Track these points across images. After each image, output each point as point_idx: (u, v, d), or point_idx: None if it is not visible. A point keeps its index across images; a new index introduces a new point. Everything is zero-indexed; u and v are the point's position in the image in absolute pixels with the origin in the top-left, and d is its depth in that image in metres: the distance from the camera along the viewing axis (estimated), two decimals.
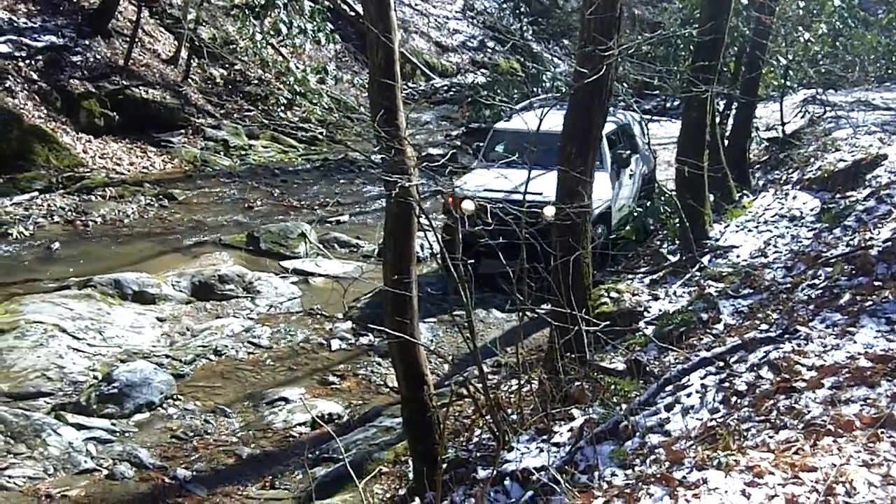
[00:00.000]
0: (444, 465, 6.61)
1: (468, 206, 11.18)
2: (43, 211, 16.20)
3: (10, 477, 8.08)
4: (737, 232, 11.84)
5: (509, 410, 7.17)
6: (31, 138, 18.09)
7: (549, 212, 10.73)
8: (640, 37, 15.07)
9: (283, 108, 23.95)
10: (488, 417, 6.78)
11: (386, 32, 6.49)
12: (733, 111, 15.87)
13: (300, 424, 9.42)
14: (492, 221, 9.19)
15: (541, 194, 11.00)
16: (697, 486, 4.42)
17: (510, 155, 12.07)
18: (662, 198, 12.78)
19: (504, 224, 9.00)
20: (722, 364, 6.36)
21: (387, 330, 6.76)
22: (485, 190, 11.58)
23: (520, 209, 8.38)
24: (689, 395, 6.03)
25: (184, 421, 9.50)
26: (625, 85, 17.10)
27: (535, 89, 20.03)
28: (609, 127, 12.80)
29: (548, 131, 10.30)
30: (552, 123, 10.23)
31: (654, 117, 18.50)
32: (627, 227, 13.52)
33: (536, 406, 6.86)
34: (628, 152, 13.96)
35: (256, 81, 24.65)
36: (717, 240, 11.68)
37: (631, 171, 14.17)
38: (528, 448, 6.17)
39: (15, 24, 20.25)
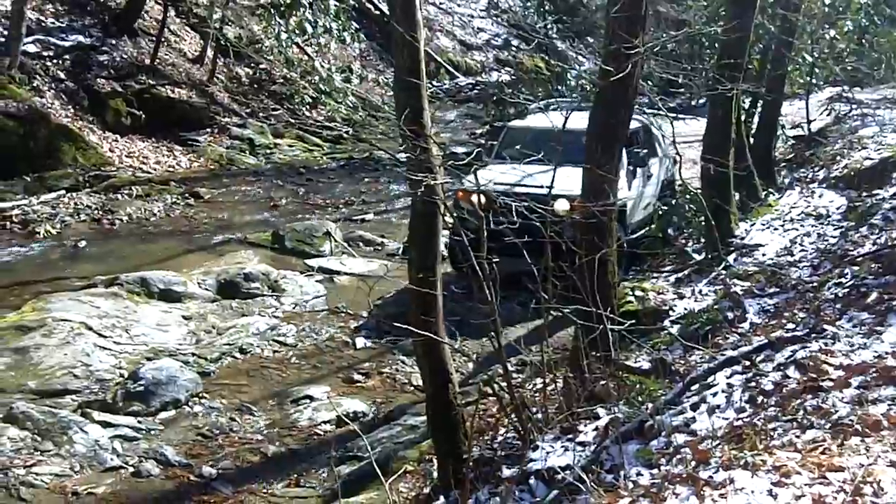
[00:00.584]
0: (469, 464, 6.62)
1: (476, 199, 11.18)
2: (70, 209, 16.32)
3: (37, 474, 8.11)
4: (763, 230, 11.79)
5: (534, 409, 7.15)
6: (59, 137, 18.23)
7: (561, 206, 10.78)
8: (665, 35, 14.99)
9: (308, 106, 24.04)
10: (513, 416, 6.77)
11: (411, 31, 6.49)
12: (759, 109, 15.79)
13: (325, 422, 9.44)
14: (501, 217, 9.21)
15: (550, 188, 10.99)
16: (724, 485, 4.40)
17: (525, 151, 12.11)
18: (688, 196, 12.72)
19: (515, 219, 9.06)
20: (748, 363, 6.33)
21: (412, 328, 6.77)
22: (494, 184, 11.34)
23: (532, 202, 8.46)
24: (715, 395, 6.01)
25: (209, 419, 9.54)
26: (650, 83, 17.04)
27: (559, 87, 20.01)
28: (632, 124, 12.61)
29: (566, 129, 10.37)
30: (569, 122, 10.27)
31: (680, 115, 18.42)
32: (653, 226, 13.45)
33: (561, 405, 6.85)
34: (645, 152, 13.57)
35: (282, 80, 24.74)
36: (742, 238, 11.63)
37: (649, 173, 13.85)
38: (553, 447, 6.16)
39: (43, 24, 20.42)
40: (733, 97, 11.46)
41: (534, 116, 14.25)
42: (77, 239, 15.09)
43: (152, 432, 9.17)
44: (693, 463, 4.94)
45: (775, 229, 11.72)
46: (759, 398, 5.72)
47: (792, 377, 5.82)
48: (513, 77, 27.39)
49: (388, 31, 20.89)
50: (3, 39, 18.71)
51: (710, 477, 4.57)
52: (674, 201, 13.83)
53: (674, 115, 13.07)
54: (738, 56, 11.37)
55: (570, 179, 10.01)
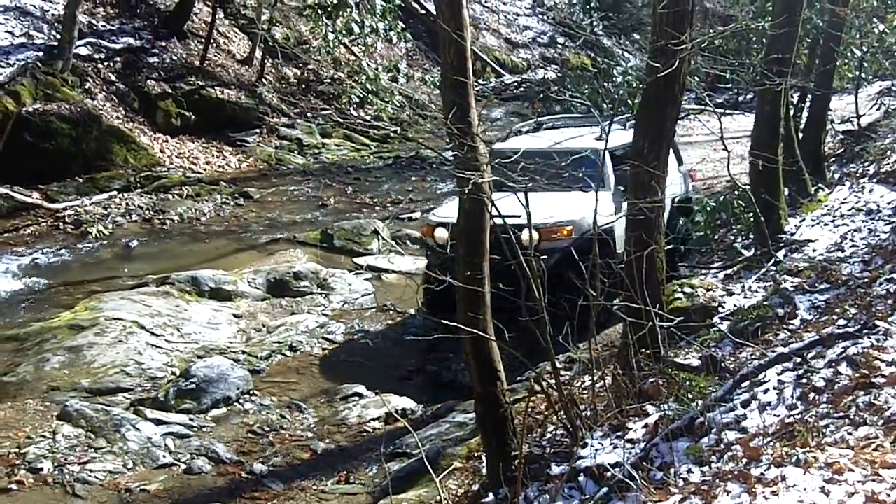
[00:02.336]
0: (518, 461, 6.63)
1: (441, 234, 10.90)
2: (121, 210, 16.55)
3: (90, 471, 8.23)
4: (812, 226, 11.66)
5: (583, 406, 7.14)
6: (110, 138, 18.50)
7: (527, 237, 9.42)
8: (712, 30, 14.88)
9: (355, 106, 24.15)
10: (562, 413, 6.76)
11: (458, 30, 6.52)
12: (807, 104, 15.61)
13: (374, 419, 9.48)
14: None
15: (518, 216, 9.84)
16: (775, 483, 4.38)
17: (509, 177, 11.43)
18: (736, 192, 12.60)
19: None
20: (799, 360, 6.28)
21: (460, 325, 6.78)
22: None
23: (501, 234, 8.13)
24: (765, 392, 5.97)
25: (260, 416, 9.63)
26: (697, 79, 16.92)
27: (605, 84, 19.90)
28: (616, 141, 11.41)
29: (552, 149, 10.11)
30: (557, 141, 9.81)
31: (727, 111, 18.28)
32: (700, 222, 13.33)
33: (610, 402, 6.84)
34: None
35: (329, 80, 24.90)
36: (792, 234, 11.51)
37: None
38: (602, 444, 6.15)
39: (94, 27, 20.73)
40: (782, 92, 11.34)
41: (520, 137, 13.50)
42: (129, 239, 15.31)
43: (204, 429, 9.26)
44: (744, 460, 4.92)
45: (825, 225, 11.58)
46: (811, 395, 5.68)
47: (843, 374, 5.78)
48: (559, 74, 27.28)
49: (435, 30, 20.92)
50: (55, 43, 19.01)
51: (762, 474, 4.55)
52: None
53: (721, 110, 12.95)
54: (786, 51, 11.25)
55: (547, 206, 10.09)
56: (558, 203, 10.69)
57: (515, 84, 29.73)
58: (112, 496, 7.97)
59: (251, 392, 10.03)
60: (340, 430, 9.43)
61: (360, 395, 9.97)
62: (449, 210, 11.03)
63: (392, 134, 22.58)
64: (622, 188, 10.96)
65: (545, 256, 9.00)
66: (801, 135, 14.33)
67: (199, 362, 10.25)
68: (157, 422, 9.17)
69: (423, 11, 28.66)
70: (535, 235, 9.69)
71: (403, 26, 24.00)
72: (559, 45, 33.54)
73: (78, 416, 8.95)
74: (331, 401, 9.97)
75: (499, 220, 9.51)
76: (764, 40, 13.81)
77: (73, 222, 15.87)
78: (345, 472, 8.49)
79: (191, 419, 9.37)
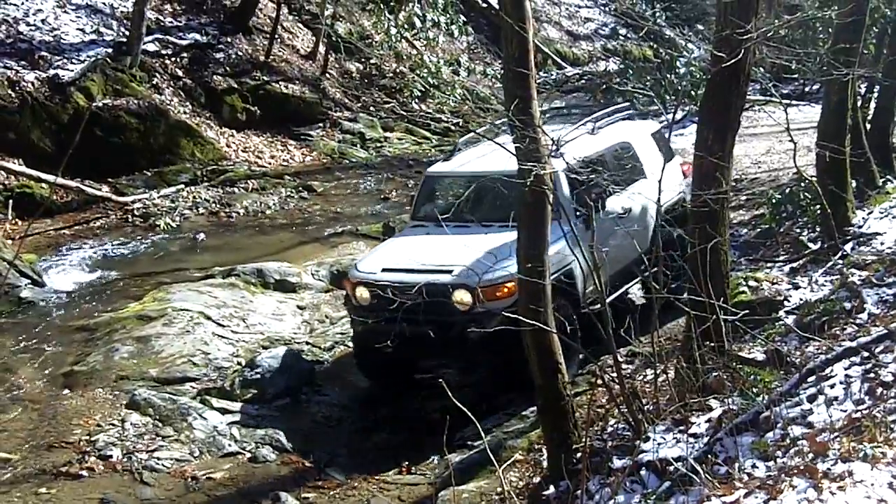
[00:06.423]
0: (579, 454, 6.62)
1: (363, 293, 9.31)
2: (188, 203, 16.82)
3: (158, 459, 8.40)
4: (881, 218, 11.43)
5: (644, 400, 7.11)
6: (177, 133, 18.80)
7: (461, 297, 8.79)
8: (777, 20, 14.64)
9: (417, 100, 24.20)
10: (623, 407, 6.74)
11: (520, 22, 6.52)
12: (875, 94, 15.31)
13: (435, 411, 9.51)
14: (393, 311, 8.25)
15: (450, 272, 8.91)
16: (842, 478, 4.33)
17: (447, 211, 9.78)
18: (802, 184, 12.41)
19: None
20: (867, 354, 6.18)
21: (521, 318, 6.79)
22: (383, 270, 9.28)
23: (426, 296, 7.72)
24: (832, 386, 5.89)
25: (323, 406, 9.73)
26: (762, 69, 16.67)
27: (668, 75, 19.71)
28: (588, 149, 9.77)
29: (497, 172, 8.52)
30: (506, 162, 7.67)
31: (793, 102, 17.99)
32: (765, 215, 13.13)
33: (673, 396, 6.79)
34: (605, 188, 9.09)
35: (391, 74, 25.00)
36: (860, 226, 11.30)
37: (623, 210, 10.12)
38: (665, 438, 6.12)
39: (161, 24, 21.06)
40: (849, 82, 11.13)
41: (461, 155, 10.91)
42: (195, 231, 15.54)
43: (268, 419, 9.37)
44: (810, 455, 4.86)
45: (894, 217, 11.35)
46: (879, 390, 5.59)
47: None
48: (620, 66, 27.08)
49: (496, 23, 20.85)
50: (124, 39, 19.35)
51: (829, 469, 4.49)
52: (788, 189, 13.01)
53: (787, 101, 12.74)
54: (853, 40, 11.04)
55: (486, 253, 8.83)
56: (499, 249, 8.85)
57: (577, 76, 29.57)
58: (179, 484, 8.12)
59: (315, 383, 10.13)
60: (401, 420, 9.49)
61: (422, 387, 9.98)
62: (373, 263, 9.60)
63: (453, 127, 22.61)
64: (583, 209, 9.10)
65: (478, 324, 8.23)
66: (868, 126, 14.05)
67: (263, 353, 10.38)
68: (223, 411, 9.32)
69: (485, 4, 28.66)
70: (469, 298, 8.78)
71: (465, 20, 23.99)
72: (621, 37, 33.30)
73: (146, 405, 9.14)
74: (393, 392, 10.03)
75: (423, 278, 8.67)
76: (830, 30, 13.56)
77: (141, 215, 16.17)
78: (406, 463, 8.54)
79: (256, 409, 9.49)
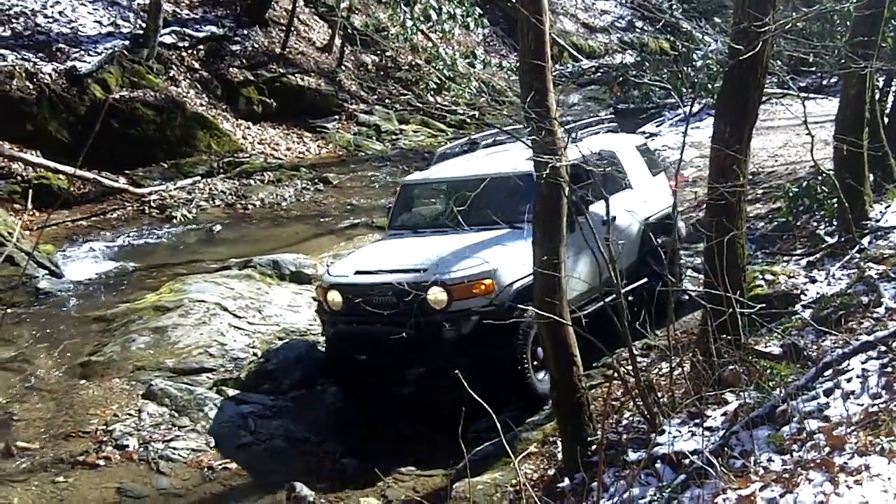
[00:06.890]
0: (594, 447, 6.62)
1: (335, 297, 9.11)
2: (205, 195, 16.88)
3: (174, 449, 8.43)
4: None
5: (660, 393, 7.10)
6: (194, 125, 18.89)
7: (435, 296, 8.50)
8: (795, 13, 14.57)
9: (432, 92, 24.23)
10: (639, 400, 6.73)
11: (537, 15, 6.51)
12: (893, 87, 15.22)
13: (450, 403, 9.52)
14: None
15: (424, 270, 8.71)
16: (859, 472, 4.32)
17: (424, 218, 10.18)
18: (820, 177, 12.35)
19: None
20: (884, 348, 6.16)
21: (536, 310, 6.79)
22: (356, 273, 9.12)
23: (400, 297, 7.51)
24: (849, 380, 5.87)
25: (338, 397, 9.74)
26: (779, 62, 16.60)
27: (685, 68, 19.64)
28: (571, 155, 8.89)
29: (478, 176, 9.01)
30: (483, 167, 9.01)
31: (811, 95, 17.91)
32: (783, 208, 13.08)
33: (688, 389, 6.78)
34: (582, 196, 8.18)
35: (407, 67, 25.02)
36: (877, 220, 11.24)
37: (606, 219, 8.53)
38: (680, 432, 6.12)
39: (178, 16, 21.14)
40: (867, 76, 11.07)
41: (437, 166, 11.12)
42: (212, 223, 15.60)
43: (284, 410, 9.40)
44: (827, 449, 4.85)
45: None
46: None
47: None
48: (637, 59, 27.03)
49: (512, 15, 20.83)
50: (141, 31, 19.42)
51: (845, 463, 4.48)
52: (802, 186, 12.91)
53: (805, 94, 12.68)
54: (871, 33, 10.97)
55: (460, 252, 8.87)
56: (475, 247, 8.89)
57: (593, 69, 29.52)
58: (195, 473, 8.16)
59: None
60: (416, 412, 9.50)
61: (436, 378, 9.99)
62: (345, 267, 9.44)
63: (469, 119, 22.61)
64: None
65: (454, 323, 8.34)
66: (886, 119, 13.97)
67: (279, 344, 10.42)
68: (239, 401, 9.34)
69: None
70: (444, 296, 8.50)
71: (480, 12, 24.00)
72: (637, 30, 33.23)
73: (162, 395, 9.18)
74: (408, 383, 10.04)
75: (397, 278, 8.50)
76: (848, 22, 13.48)
77: (157, 207, 16.25)
78: (422, 455, 8.54)
79: (271, 400, 9.51)
